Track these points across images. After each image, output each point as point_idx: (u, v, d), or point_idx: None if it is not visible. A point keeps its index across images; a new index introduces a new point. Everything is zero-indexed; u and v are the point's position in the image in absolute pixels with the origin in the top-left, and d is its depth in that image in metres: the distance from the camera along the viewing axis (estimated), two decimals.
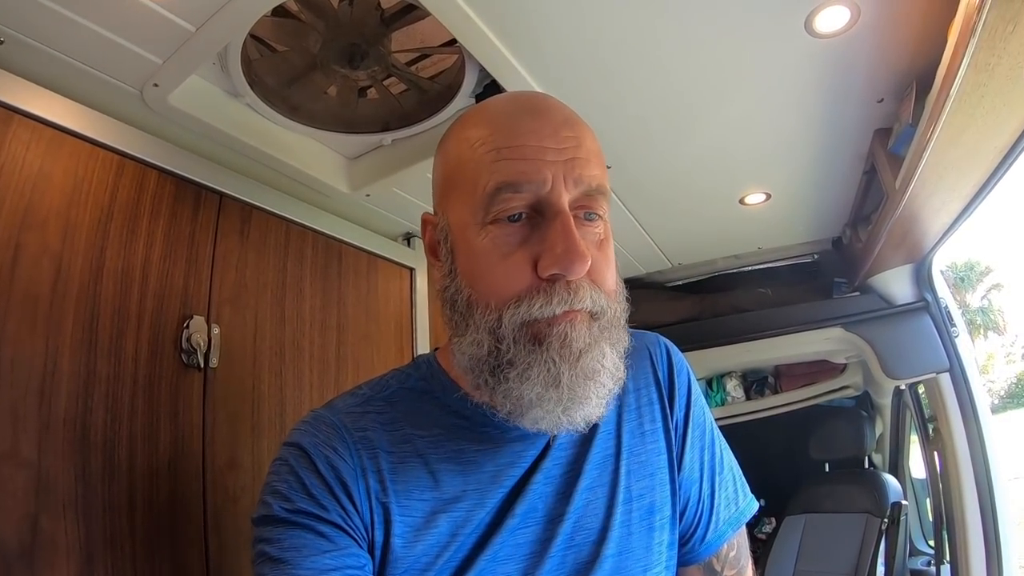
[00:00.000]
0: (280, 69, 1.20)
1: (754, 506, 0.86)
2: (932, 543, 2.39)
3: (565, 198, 0.64)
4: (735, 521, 0.84)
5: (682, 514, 0.80)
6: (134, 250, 1.09)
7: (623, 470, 0.76)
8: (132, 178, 1.11)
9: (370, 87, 1.27)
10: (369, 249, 1.65)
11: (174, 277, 1.15)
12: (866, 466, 2.80)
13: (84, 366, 0.99)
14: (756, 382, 2.96)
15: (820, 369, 2.74)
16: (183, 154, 1.20)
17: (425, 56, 1.26)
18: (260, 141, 1.25)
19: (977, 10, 0.81)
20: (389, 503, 0.67)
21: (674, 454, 0.80)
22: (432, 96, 1.28)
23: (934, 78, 1.07)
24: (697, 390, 0.85)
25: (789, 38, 1.09)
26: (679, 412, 0.82)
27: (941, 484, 1.93)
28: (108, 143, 1.08)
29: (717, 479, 0.83)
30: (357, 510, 0.67)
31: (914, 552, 2.63)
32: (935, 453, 1.94)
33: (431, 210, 0.77)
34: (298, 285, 1.42)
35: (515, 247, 0.65)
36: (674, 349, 0.87)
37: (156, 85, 1.06)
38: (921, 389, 2.25)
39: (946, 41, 1.00)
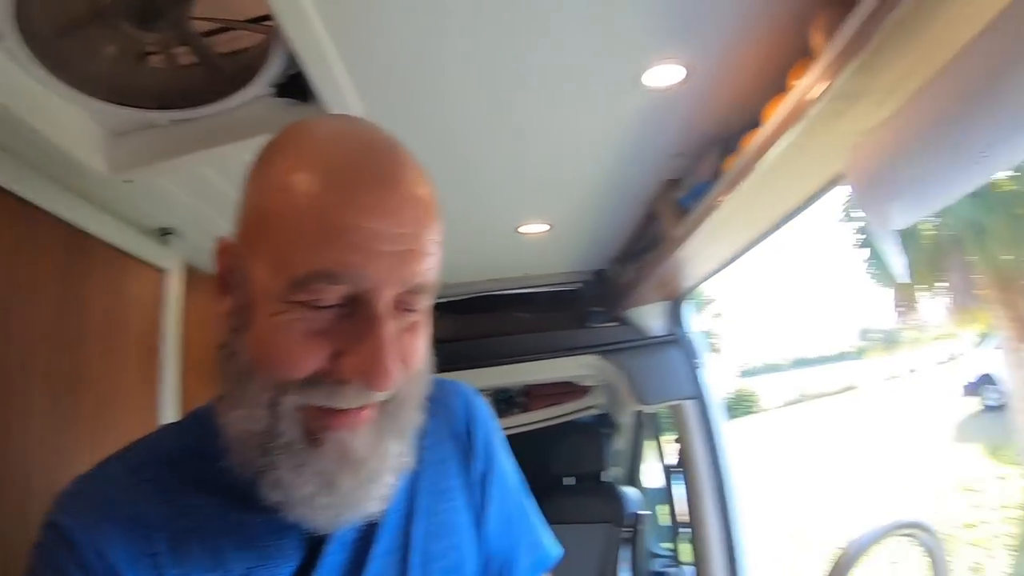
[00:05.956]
0: (57, 13, 0.88)
1: (557, 552, 0.86)
2: (668, 546, 2.67)
3: (387, 299, 0.55)
4: (539, 566, 0.83)
5: (485, 566, 0.77)
6: None
7: (419, 532, 0.71)
8: None
9: (155, 54, 1.00)
10: (118, 245, 1.32)
11: None
12: (605, 479, 3.03)
13: None
14: (504, 400, 3.04)
15: (568, 390, 2.92)
16: None
17: (226, 29, 1.02)
18: (7, 97, 0.91)
19: (809, 101, 0.89)
20: None
21: (476, 507, 0.77)
22: (225, 77, 1.04)
23: (737, 144, 1.16)
24: (499, 437, 0.82)
25: (620, 88, 1.11)
26: (480, 464, 0.78)
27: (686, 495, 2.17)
28: None
29: (519, 528, 0.81)
30: None
31: (651, 555, 2.92)
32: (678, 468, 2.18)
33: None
34: (32, 286, 1.08)
35: (316, 333, 0.55)
36: (474, 398, 0.83)
37: None
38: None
39: (759, 115, 1.08)
